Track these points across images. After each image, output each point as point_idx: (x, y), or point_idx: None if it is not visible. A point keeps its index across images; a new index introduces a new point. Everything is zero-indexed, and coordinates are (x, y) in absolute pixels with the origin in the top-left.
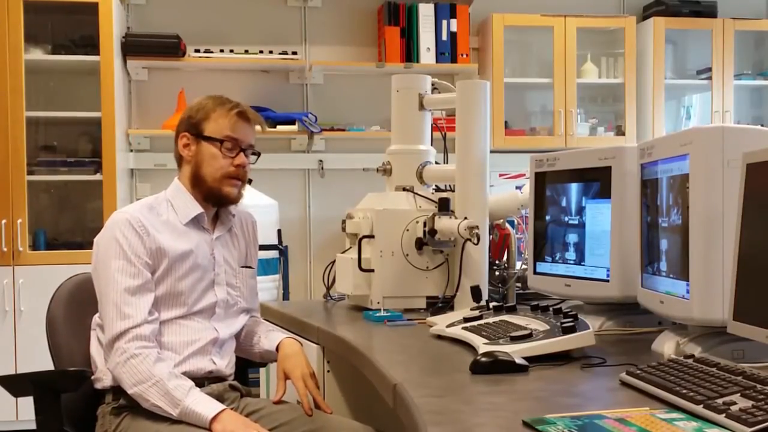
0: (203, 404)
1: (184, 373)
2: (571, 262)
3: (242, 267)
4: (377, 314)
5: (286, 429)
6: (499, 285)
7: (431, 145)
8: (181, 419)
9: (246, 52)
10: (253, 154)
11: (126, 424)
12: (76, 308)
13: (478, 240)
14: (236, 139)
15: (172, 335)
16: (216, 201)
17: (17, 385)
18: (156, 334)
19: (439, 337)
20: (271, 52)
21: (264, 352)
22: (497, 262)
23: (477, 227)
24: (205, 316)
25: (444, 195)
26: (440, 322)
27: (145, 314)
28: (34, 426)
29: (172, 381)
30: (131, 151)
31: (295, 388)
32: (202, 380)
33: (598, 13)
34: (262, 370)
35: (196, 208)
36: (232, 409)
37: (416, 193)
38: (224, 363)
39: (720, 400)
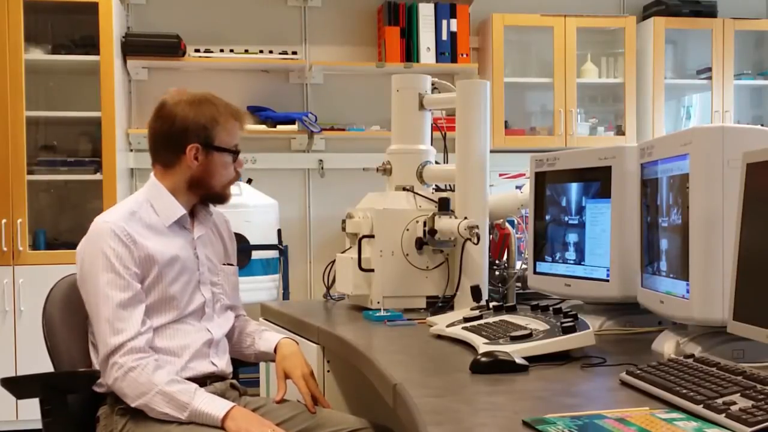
0: (212, 404)
1: (188, 378)
2: (571, 261)
3: (223, 265)
4: (377, 314)
5: (288, 425)
6: (499, 285)
7: (431, 144)
8: (190, 422)
9: (246, 52)
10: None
11: (134, 424)
12: (71, 309)
13: (478, 240)
14: (237, 145)
15: (168, 340)
16: (214, 202)
17: (24, 386)
18: (150, 342)
19: (439, 337)
20: (271, 52)
21: (260, 354)
22: (497, 262)
23: (477, 227)
24: (197, 318)
25: (444, 195)
26: (440, 322)
27: (138, 326)
28: (34, 426)
29: (175, 386)
30: (131, 150)
31: (296, 388)
32: (204, 380)
33: (598, 13)
34: (262, 368)
35: (178, 210)
36: None
37: (416, 193)
38: (223, 363)
39: (720, 400)
